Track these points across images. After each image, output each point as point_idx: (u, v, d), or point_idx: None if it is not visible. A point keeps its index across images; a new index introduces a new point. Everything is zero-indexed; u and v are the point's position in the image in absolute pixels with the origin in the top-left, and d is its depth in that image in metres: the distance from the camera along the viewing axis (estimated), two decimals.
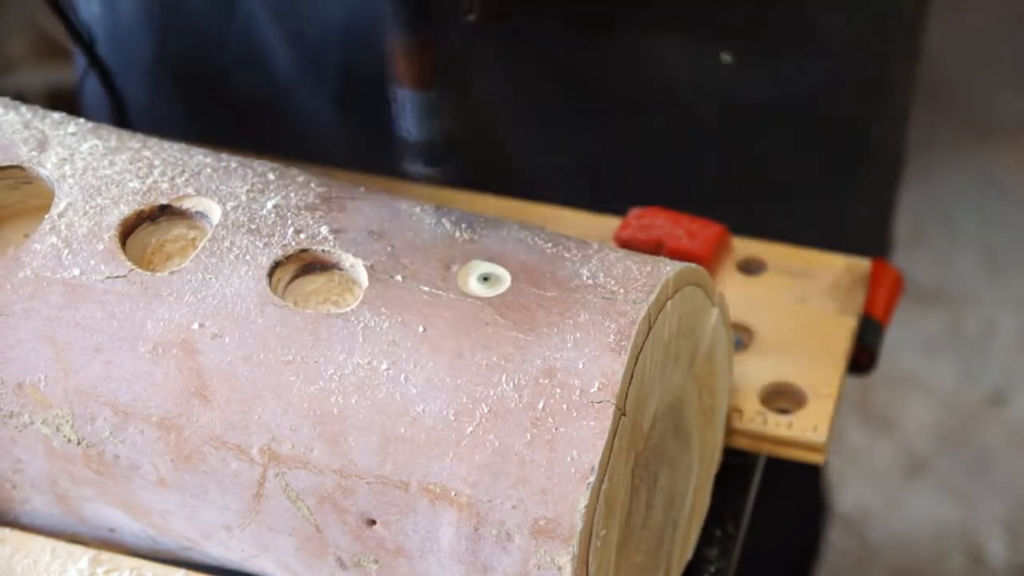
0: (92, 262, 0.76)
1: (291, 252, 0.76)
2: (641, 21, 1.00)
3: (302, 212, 0.78)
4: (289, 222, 0.77)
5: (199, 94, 1.08)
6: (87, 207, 0.78)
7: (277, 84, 1.04)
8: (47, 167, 0.80)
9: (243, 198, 0.78)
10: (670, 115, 1.05)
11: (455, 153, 0.72)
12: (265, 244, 0.76)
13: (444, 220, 0.78)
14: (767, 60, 1.04)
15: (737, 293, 0.91)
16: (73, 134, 0.82)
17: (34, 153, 0.80)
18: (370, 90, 1.00)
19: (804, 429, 0.86)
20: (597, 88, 1.04)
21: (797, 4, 1.03)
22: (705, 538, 0.85)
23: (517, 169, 1.02)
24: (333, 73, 1.01)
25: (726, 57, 1.03)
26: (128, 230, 0.77)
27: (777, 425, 0.86)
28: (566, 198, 0.97)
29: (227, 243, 0.76)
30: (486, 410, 0.70)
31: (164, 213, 0.78)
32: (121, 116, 1.04)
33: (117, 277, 0.75)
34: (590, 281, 0.74)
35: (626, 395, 0.70)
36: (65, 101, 1.00)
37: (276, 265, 0.75)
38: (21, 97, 0.86)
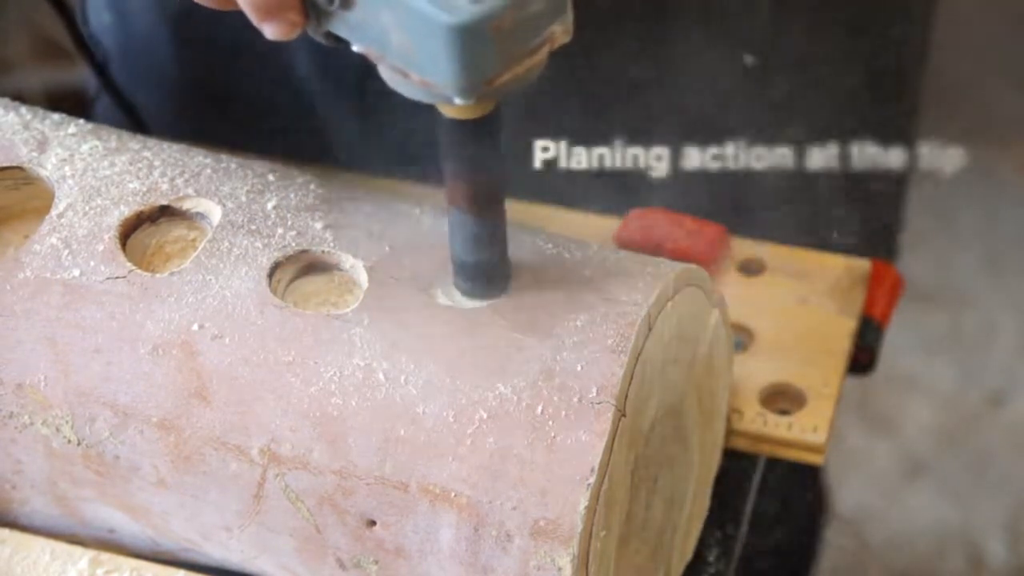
0: (92, 263, 0.76)
1: (291, 253, 0.76)
2: (664, 24, 1.01)
3: (302, 213, 0.78)
4: (289, 223, 0.77)
5: (213, 104, 1.08)
6: (87, 208, 0.78)
7: (294, 93, 1.04)
8: (47, 168, 0.80)
9: (243, 199, 0.78)
10: (691, 115, 1.06)
11: (502, 276, 0.73)
12: (265, 245, 0.76)
13: (444, 221, 0.78)
14: (788, 62, 1.05)
15: (737, 294, 0.91)
16: (73, 135, 0.82)
17: (34, 154, 0.80)
18: (389, 98, 1.00)
19: (804, 430, 0.86)
20: (618, 89, 1.04)
21: (816, 9, 1.04)
22: (705, 539, 0.85)
23: (528, 169, 1.02)
24: (353, 81, 1.01)
25: (749, 59, 1.03)
26: (128, 231, 0.77)
27: (777, 426, 0.86)
28: (584, 200, 0.97)
29: (227, 244, 0.76)
30: (486, 411, 0.70)
31: (164, 214, 0.78)
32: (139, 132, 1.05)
33: (117, 278, 0.75)
34: (590, 282, 0.74)
35: (626, 396, 0.70)
36: (65, 102, 1.00)
37: (276, 266, 0.75)
38: (20, 98, 0.86)
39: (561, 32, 0.67)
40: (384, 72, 0.69)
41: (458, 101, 0.66)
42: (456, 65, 0.65)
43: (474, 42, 0.64)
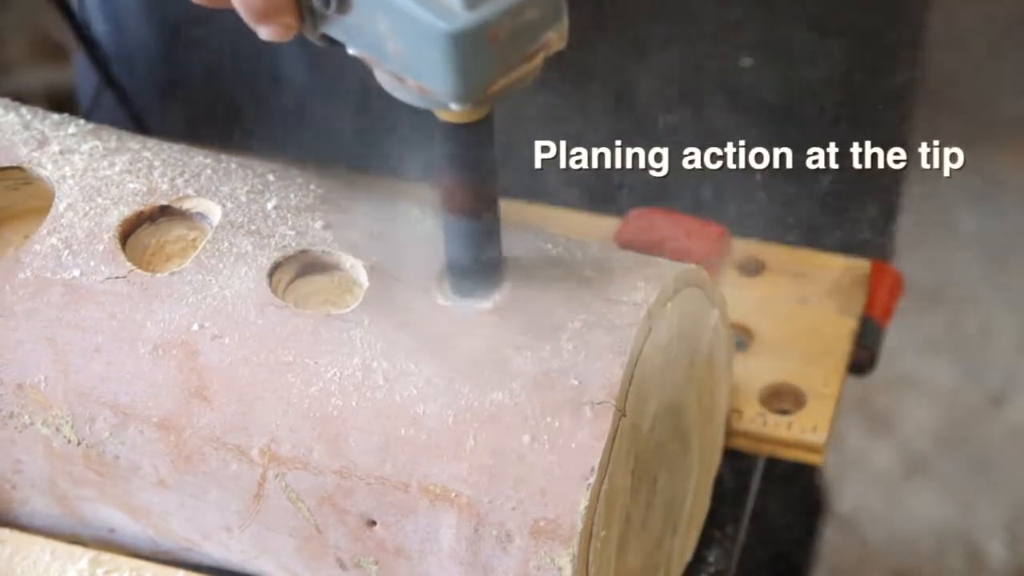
0: (92, 263, 0.76)
1: (291, 253, 0.76)
2: (663, 25, 1.01)
3: (302, 213, 0.78)
4: (289, 223, 0.77)
5: (210, 107, 1.08)
6: (87, 208, 0.78)
7: (292, 94, 1.04)
8: (47, 168, 0.80)
9: (243, 199, 0.78)
10: (688, 116, 1.06)
11: (495, 277, 0.74)
12: (265, 245, 0.76)
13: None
14: (784, 63, 1.05)
15: (737, 294, 0.91)
16: (73, 135, 0.82)
17: (34, 154, 0.80)
18: (388, 97, 1.00)
19: (803, 430, 0.86)
20: (618, 89, 1.04)
21: (812, 9, 1.04)
22: (705, 539, 0.85)
23: (528, 169, 1.02)
24: (351, 79, 1.01)
25: (746, 60, 1.04)
26: (128, 231, 0.77)
27: (777, 426, 0.86)
28: (584, 200, 0.97)
29: (227, 244, 0.76)
30: (485, 411, 0.70)
31: (164, 214, 0.78)
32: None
33: (117, 278, 0.75)
34: (590, 282, 0.74)
35: (626, 396, 0.70)
36: (64, 102, 1.00)
37: (276, 266, 0.75)
38: (20, 98, 0.86)
39: (556, 38, 0.67)
40: (380, 76, 0.69)
41: (454, 107, 0.67)
42: (453, 72, 0.65)
43: (471, 49, 0.64)
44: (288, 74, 1.04)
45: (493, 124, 0.70)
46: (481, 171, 0.71)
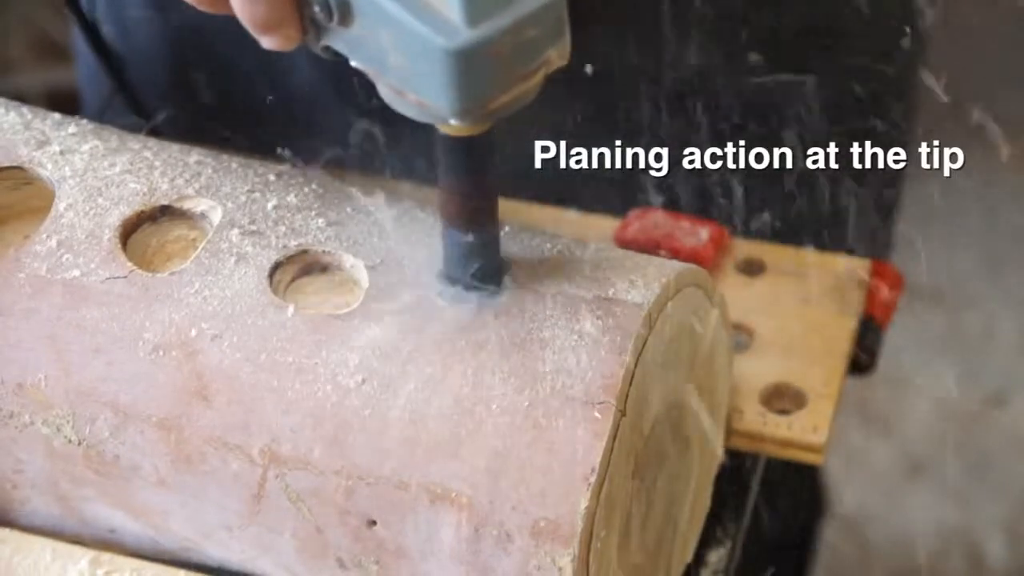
0: (93, 263, 0.76)
1: (292, 253, 0.76)
2: (664, 24, 1.01)
3: (302, 212, 0.78)
4: (289, 223, 0.77)
5: (215, 110, 1.08)
6: (88, 208, 0.78)
7: (299, 99, 1.05)
8: (48, 168, 0.80)
9: (243, 199, 0.78)
10: (691, 115, 1.06)
11: (489, 284, 0.74)
12: (265, 245, 0.76)
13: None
14: (784, 63, 1.05)
15: (737, 294, 0.91)
16: (74, 135, 0.82)
17: (35, 154, 0.80)
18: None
19: (804, 430, 0.86)
20: (618, 89, 1.04)
21: (813, 7, 1.04)
22: (705, 539, 0.85)
23: (528, 169, 1.02)
24: (356, 82, 1.01)
25: (754, 57, 1.04)
26: (129, 231, 0.77)
27: (777, 426, 0.86)
28: (584, 200, 0.97)
29: (227, 244, 0.76)
30: (486, 411, 0.70)
31: (165, 214, 0.78)
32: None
33: (117, 278, 0.75)
34: (590, 282, 0.74)
35: (626, 396, 0.70)
36: (65, 102, 1.00)
37: (276, 266, 0.75)
38: (21, 98, 0.86)
39: (557, 56, 0.68)
40: (382, 89, 0.69)
41: (454, 123, 0.67)
42: (453, 88, 0.65)
43: (471, 66, 0.64)
44: (297, 75, 1.04)
45: (494, 139, 0.70)
46: (480, 185, 0.71)
